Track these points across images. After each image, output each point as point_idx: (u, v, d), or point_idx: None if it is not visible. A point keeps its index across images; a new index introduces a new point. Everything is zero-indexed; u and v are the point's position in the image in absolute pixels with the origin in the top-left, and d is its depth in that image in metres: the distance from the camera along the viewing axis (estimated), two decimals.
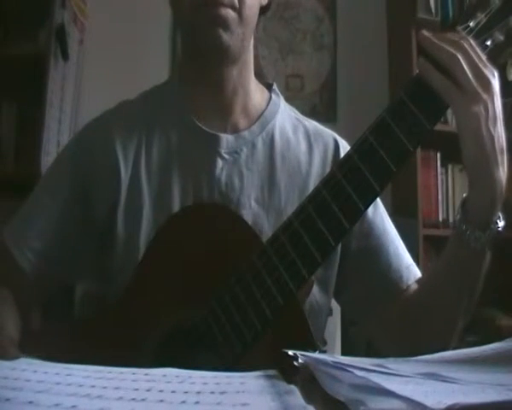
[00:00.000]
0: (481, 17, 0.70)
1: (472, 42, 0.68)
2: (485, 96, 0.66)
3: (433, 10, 2.33)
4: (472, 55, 0.67)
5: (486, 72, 0.67)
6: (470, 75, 0.66)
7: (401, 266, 0.91)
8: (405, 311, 0.87)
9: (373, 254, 0.91)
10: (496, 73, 0.68)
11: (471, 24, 0.70)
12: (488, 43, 0.69)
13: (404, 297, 0.89)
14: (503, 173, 0.69)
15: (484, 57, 0.68)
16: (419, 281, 0.90)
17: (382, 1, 2.62)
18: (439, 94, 0.67)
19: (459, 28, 0.70)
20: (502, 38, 0.69)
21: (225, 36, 0.84)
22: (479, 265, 0.75)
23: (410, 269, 0.91)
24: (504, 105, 0.70)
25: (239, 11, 0.84)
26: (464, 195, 0.75)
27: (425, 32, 0.70)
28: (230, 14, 0.84)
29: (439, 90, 0.67)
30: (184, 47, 0.95)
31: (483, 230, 0.72)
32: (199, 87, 0.91)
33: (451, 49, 0.67)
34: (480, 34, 0.69)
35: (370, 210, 0.91)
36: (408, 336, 0.86)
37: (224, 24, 0.83)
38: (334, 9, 2.61)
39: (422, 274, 0.92)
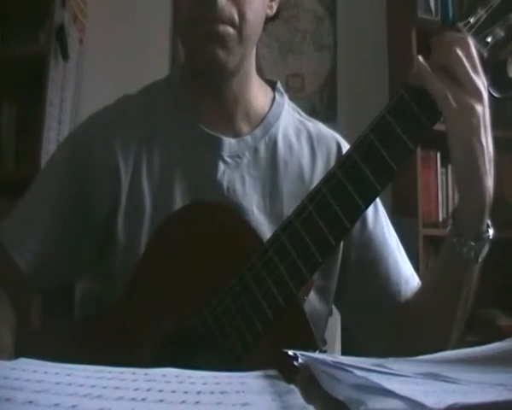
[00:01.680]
0: (482, 13, 0.69)
1: (470, 43, 0.67)
2: (476, 106, 0.66)
3: (433, 10, 2.33)
4: (464, 67, 0.66)
5: (479, 83, 0.67)
6: (466, 85, 0.66)
7: (400, 279, 0.90)
8: (400, 323, 0.87)
9: (372, 266, 0.90)
10: (485, 83, 0.68)
11: (471, 20, 0.69)
12: (489, 39, 0.69)
13: (401, 310, 0.88)
14: (490, 182, 0.69)
15: (478, 65, 0.67)
16: (415, 292, 0.89)
17: (382, 1, 2.62)
18: (433, 97, 0.66)
19: (460, 25, 0.70)
20: (502, 34, 0.69)
21: (222, 54, 0.81)
22: (471, 275, 0.75)
23: (409, 282, 0.90)
24: (505, 102, 0.69)
25: (239, 29, 0.81)
26: (455, 206, 0.74)
27: (420, 59, 0.69)
28: (229, 31, 0.80)
29: (435, 98, 0.66)
30: (185, 55, 0.93)
31: (474, 240, 0.71)
32: (200, 93, 0.90)
33: (438, 82, 0.65)
34: (481, 30, 0.69)
35: (371, 220, 0.90)
36: (402, 347, 0.85)
37: (222, 42, 0.80)
38: (334, 9, 2.61)
39: (419, 286, 0.91)
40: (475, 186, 0.69)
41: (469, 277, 0.75)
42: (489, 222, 0.72)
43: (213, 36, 0.80)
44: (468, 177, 0.69)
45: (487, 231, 0.72)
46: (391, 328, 0.88)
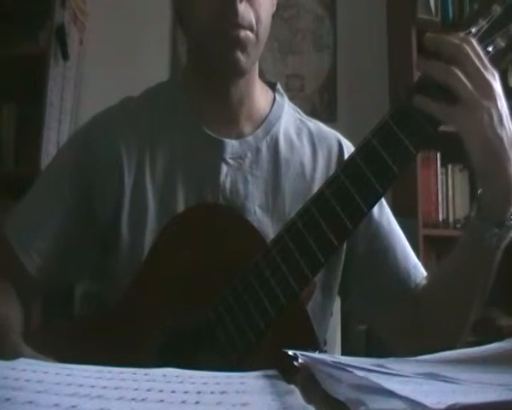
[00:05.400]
0: (483, 24, 0.70)
1: (474, 42, 0.69)
2: (486, 102, 0.67)
3: (433, 10, 2.33)
4: (472, 61, 0.68)
5: (487, 76, 0.68)
6: (470, 86, 0.67)
7: (408, 265, 0.91)
8: (415, 308, 0.87)
9: (380, 255, 0.91)
10: (496, 75, 0.69)
11: (473, 30, 0.71)
12: (490, 49, 0.70)
13: (413, 296, 0.89)
14: None
15: (485, 59, 0.68)
16: (427, 278, 0.90)
17: (382, 1, 2.62)
18: (442, 121, 0.68)
19: (461, 34, 0.71)
20: (503, 44, 0.70)
21: (243, 59, 0.83)
22: (492, 260, 0.76)
23: (417, 268, 0.91)
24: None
25: (256, 32, 0.83)
26: (479, 191, 0.75)
27: (421, 60, 0.71)
28: (249, 36, 0.82)
29: (441, 118, 0.68)
30: (193, 57, 0.93)
31: (497, 226, 0.72)
32: (204, 95, 0.90)
33: (448, 66, 0.68)
34: (482, 40, 0.70)
35: (376, 211, 0.91)
36: (420, 332, 0.86)
37: (243, 47, 0.82)
38: (334, 9, 2.61)
39: (432, 271, 0.92)
40: (497, 175, 0.70)
41: (489, 262, 0.76)
42: None
43: (236, 42, 0.81)
44: (489, 169, 0.70)
45: (511, 218, 0.72)
46: (403, 314, 0.89)
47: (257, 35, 0.83)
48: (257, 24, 0.83)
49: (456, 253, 0.80)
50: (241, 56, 0.82)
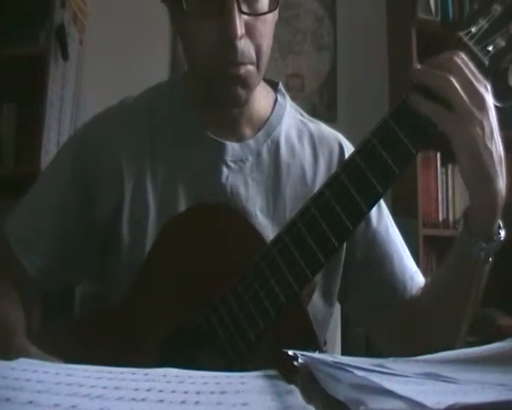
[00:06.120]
0: (483, 23, 0.70)
1: (464, 57, 0.69)
2: (479, 115, 0.67)
3: (433, 10, 2.33)
4: (466, 73, 0.67)
5: (480, 88, 0.68)
6: (465, 97, 0.67)
7: (405, 275, 0.90)
8: (409, 319, 0.87)
9: (377, 264, 0.91)
10: (488, 87, 0.69)
11: (473, 29, 0.71)
12: (490, 48, 0.70)
13: (407, 306, 0.89)
14: (502, 183, 0.70)
15: (476, 71, 0.68)
16: (421, 290, 0.90)
17: (382, 1, 2.62)
18: (435, 122, 0.68)
19: (461, 34, 0.71)
20: (503, 43, 0.70)
21: (243, 93, 0.81)
22: (481, 273, 0.76)
23: (414, 278, 0.91)
24: (505, 108, 0.70)
25: (257, 63, 0.81)
26: (466, 206, 0.75)
27: (415, 67, 0.71)
28: (250, 70, 0.80)
29: (434, 119, 0.68)
30: (193, 75, 0.89)
31: (485, 240, 0.72)
32: (205, 98, 0.89)
33: (444, 74, 0.68)
34: (482, 40, 0.70)
35: (375, 219, 0.91)
36: (413, 343, 0.86)
37: (244, 83, 0.80)
38: (334, 9, 2.61)
39: (425, 282, 0.92)
40: (485, 190, 0.70)
41: (479, 276, 0.76)
42: (500, 223, 0.73)
43: (236, 78, 0.79)
44: (478, 183, 0.70)
45: (499, 232, 0.72)
46: (398, 324, 0.89)
47: (258, 66, 0.81)
48: (258, 56, 0.80)
49: (445, 266, 0.80)
50: (241, 91, 0.80)
